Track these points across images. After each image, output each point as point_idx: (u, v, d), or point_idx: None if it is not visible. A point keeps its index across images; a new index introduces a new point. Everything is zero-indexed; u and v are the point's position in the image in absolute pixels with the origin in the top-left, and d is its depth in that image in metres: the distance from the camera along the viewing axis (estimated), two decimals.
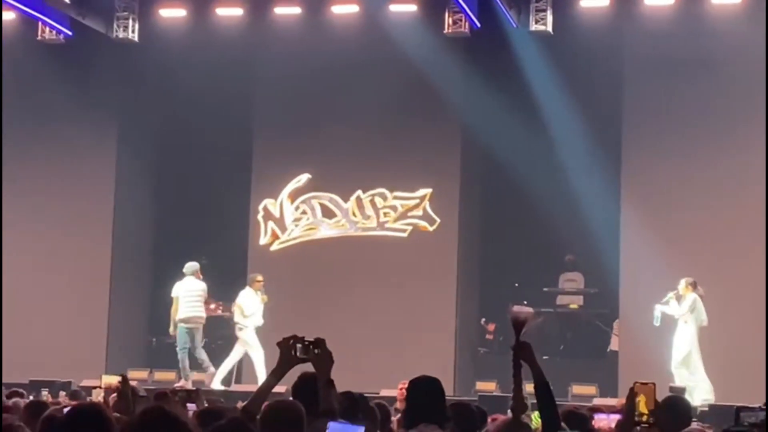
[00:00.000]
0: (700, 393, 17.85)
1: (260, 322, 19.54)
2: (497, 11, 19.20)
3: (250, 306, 19.55)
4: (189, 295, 19.56)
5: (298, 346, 5.69)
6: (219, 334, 22.17)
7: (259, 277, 19.78)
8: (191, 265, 19.71)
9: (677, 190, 19.60)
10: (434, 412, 6.05)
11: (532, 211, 20.45)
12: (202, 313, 19.73)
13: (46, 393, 16.12)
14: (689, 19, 19.52)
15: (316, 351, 5.68)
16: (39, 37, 20.63)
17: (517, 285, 22.07)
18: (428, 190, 20.83)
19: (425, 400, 6.22)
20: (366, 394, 8.67)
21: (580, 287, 22.04)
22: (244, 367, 20.23)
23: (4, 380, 17.71)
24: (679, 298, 18.19)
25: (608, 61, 19.89)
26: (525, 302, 21.38)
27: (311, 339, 5.70)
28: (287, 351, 5.71)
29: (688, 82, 19.48)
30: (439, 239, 20.72)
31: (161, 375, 20.63)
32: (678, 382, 17.77)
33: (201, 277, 19.75)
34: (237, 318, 19.62)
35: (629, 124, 20.00)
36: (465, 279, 20.74)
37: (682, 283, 18.18)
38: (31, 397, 13.16)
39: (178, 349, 19.55)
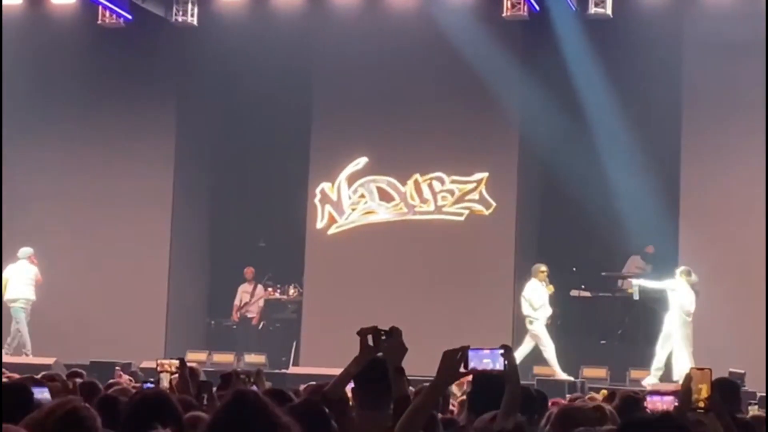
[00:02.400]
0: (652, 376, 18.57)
1: (549, 311, 19.35)
2: None
3: (538, 298, 19.27)
4: (20, 278, 20.51)
5: (374, 336, 5.69)
6: (276, 318, 22.31)
7: (543, 268, 19.47)
8: (25, 251, 20.62)
9: (736, 178, 19.43)
10: (500, 397, 6.05)
11: (590, 194, 20.34)
12: (32, 296, 20.58)
13: (118, 369, 16.29)
14: (749, 2, 19.30)
15: (383, 338, 5.69)
16: (99, 22, 20.77)
17: (574, 269, 21.99)
18: (485, 174, 20.79)
19: (492, 385, 6.22)
20: (423, 378, 8.69)
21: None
22: (303, 349, 20.32)
23: (66, 361, 17.97)
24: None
25: (667, 45, 19.72)
26: (582, 286, 21.37)
27: (386, 329, 5.71)
28: (366, 340, 5.72)
29: (748, 66, 19.28)
30: (496, 223, 20.69)
31: (219, 357, 20.79)
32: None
33: (35, 262, 20.66)
34: (526, 311, 19.29)
35: (688, 108, 19.84)
36: (522, 263, 20.69)
37: (677, 273, 18.68)
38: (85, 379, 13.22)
39: (19, 325, 20.32)
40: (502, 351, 5.47)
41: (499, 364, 5.46)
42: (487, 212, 20.70)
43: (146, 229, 21.75)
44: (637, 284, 19.12)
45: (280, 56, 20.65)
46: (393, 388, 5.61)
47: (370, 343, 5.69)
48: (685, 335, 18.60)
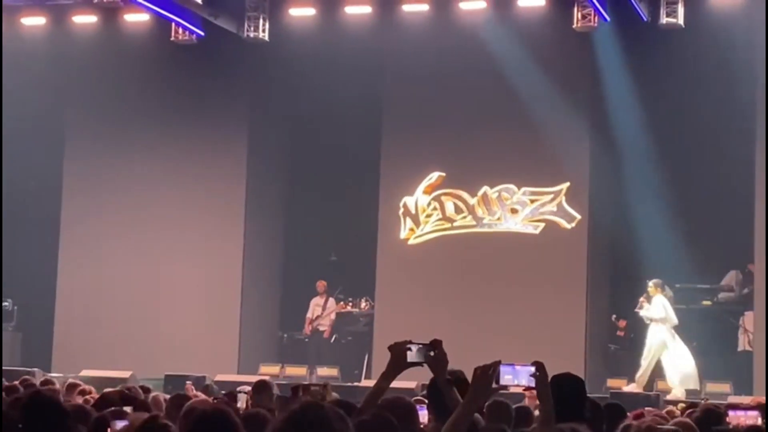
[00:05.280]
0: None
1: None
2: (627, 4, 18.98)
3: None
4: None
5: (414, 348, 5.66)
6: (348, 331, 22.35)
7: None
8: None
9: None
10: (577, 410, 6.00)
11: (665, 206, 20.17)
12: None
13: (189, 383, 16.40)
14: None
15: (432, 353, 5.67)
16: (172, 38, 20.98)
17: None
18: (564, 185, 20.69)
19: (570, 397, 6.17)
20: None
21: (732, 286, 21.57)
22: (374, 362, 20.34)
23: (140, 375, 18.14)
24: (648, 299, 19.18)
25: (742, 54, 19.49)
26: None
27: (426, 342, 5.69)
28: (400, 354, 5.69)
29: None
30: (569, 234, 20.58)
31: (292, 370, 20.88)
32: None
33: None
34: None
35: (766, 118, 19.59)
36: (595, 274, 20.56)
37: (651, 285, 19.13)
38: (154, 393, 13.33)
39: None
40: (533, 367, 5.41)
41: (530, 381, 5.39)
42: (569, 226, 20.58)
43: (219, 244, 21.90)
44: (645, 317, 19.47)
45: (350, 70, 20.71)
46: (446, 399, 5.60)
47: (412, 358, 5.65)
48: (674, 347, 19.03)
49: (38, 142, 22.65)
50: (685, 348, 19.21)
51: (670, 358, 19.12)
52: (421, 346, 5.64)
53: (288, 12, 20.93)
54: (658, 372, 19.21)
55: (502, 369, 5.31)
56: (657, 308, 19.21)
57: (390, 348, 5.67)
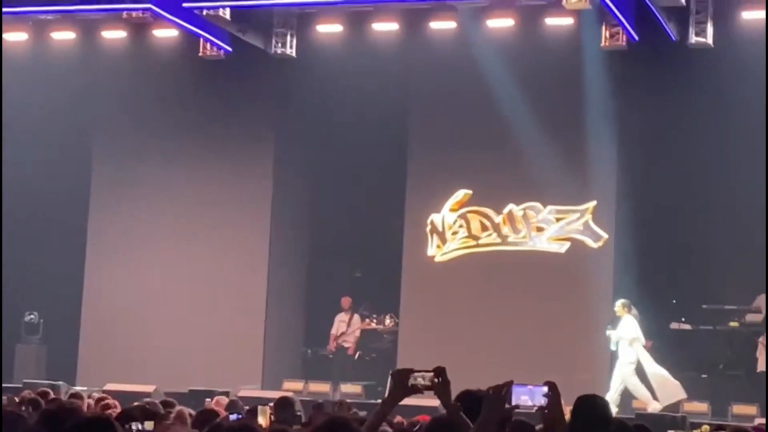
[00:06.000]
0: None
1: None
2: (656, 24, 18.92)
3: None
4: None
5: (418, 377, 5.65)
6: (373, 347, 22.32)
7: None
8: None
9: None
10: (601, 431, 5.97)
11: (692, 226, 20.09)
12: None
13: (209, 401, 16.38)
14: None
15: (437, 380, 5.65)
16: (200, 54, 21.05)
17: (674, 302, 21.67)
18: (590, 204, 20.63)
19: (596, 419, 6.13)
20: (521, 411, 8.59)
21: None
22: None
23: (166, 389, 18.15)
24: (614, 320, 19.25)
25: None
26: (683, 319, 21.05)
27: (430, 369, 5.67)
28: (402, 381, 5.67)
29: None
30: (595, 253, 20.51)
31: (316, 386, 20.86)
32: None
33: None
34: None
35: None
36: (621, 294, 20.45)
37: (618, 305, 19.21)
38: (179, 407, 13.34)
39: None
40: (546, 387, 5.37)
41: (542, 401, 5.36)
42: (596, 245, 20.51)
43: (244, 259, 21.93)
44: (614, 338, 19.42)
45: (377, 87, 20.71)
46: (455, 424, 5.58)
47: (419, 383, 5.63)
48: (648, 363, 19.14)
49: (67, 155, 22.76)
50: (656, 364, 19.23)
51: (648, 376, 19.13)
52: (425, 373, 5.63)
53: (315, 28, 20.96)
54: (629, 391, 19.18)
55: (518, 389, 5.29)
56: (627, 328, 19.20)
57: (392, 374, 5.67)
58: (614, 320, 19.39)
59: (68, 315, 22.73)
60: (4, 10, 19.67)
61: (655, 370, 19.21)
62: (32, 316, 23.08)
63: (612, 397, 18.75)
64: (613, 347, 19.27)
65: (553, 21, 20.07)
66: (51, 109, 21.90)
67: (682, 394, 19.13)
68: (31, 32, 21.42)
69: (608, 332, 19.38)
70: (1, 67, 20.80)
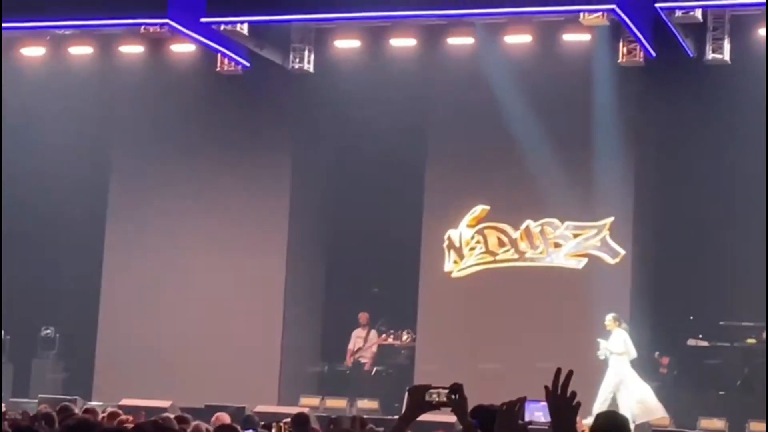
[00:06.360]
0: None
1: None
2: (673, 40, 18.90)
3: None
4: None
5: (434, 393, 5.65)
6: (389, 363, 22.28)
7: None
8: None
9: None
10: None
11: (709, 242, 20.02)
12: None
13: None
14: None
15: (454, 396, 5.65)
16: (218, 69, 21.10)
17: (691, 318, 21.61)
18: (607, 220, 20.59)
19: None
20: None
21: None
22: None
23: (181, 404, 18.15)
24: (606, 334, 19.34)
25: None
26: (700, 335, 20.97)
27: (447, 386, 5.67)
28: (419, 397, 5.67)
29: None
30: (612, 269, 20.46)
31: (332, 402, 20.83)
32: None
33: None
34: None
35: None
36: (638, 311, 20.41)
37: (609, 318, 19.24)
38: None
39: None
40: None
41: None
42: (613, 261, 20.46)
43: (261, 275, 21.93)
44: (603, 348, 19.45)
45: (394, 102, 20.75)
46: None
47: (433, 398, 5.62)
48: (632, 380, 19.18)
49: (84, 170, 22.84)
50: (641, 381, 19.25)
51: (629, 392, 19.13)
52: (441, 389, 5.62)
53: (333, 43, 21.00)
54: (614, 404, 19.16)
55: (532, 405, 5.27)
56: (617, 342, 19.24)
57: (409, 390, 5.67)
58: (606, 334, 19.45)
59: (84, 330, 22.76)
60: (23, 24, 19.78)
61: (638, 387, 19.22)
62: (48, 331, 23.12)
63: (599, 407, 18.72)
64: (601, 356, 19.30)
65: (570, 37, 20.07)
66: (69, 123, 21.99)
67: (660, 413, 19.10)
68: (48, 47, 21.51)
69: (599, 340, 19.41)
70: (1, 74, 20.83)
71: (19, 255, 22.50)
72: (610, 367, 19.28)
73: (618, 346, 19.22)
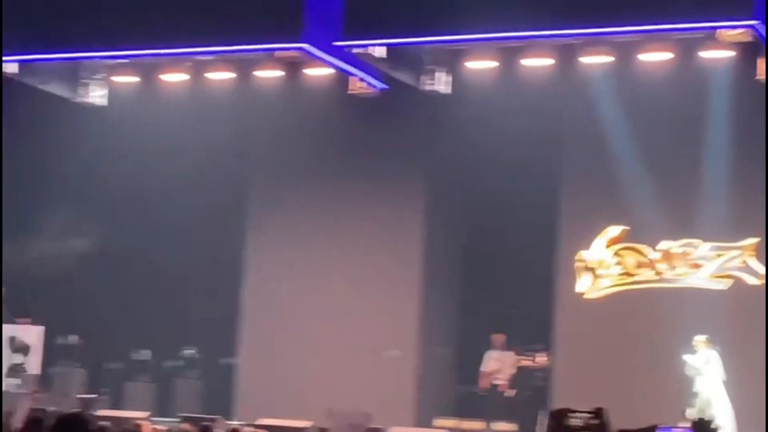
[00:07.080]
0: None
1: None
2: None
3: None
4: None
5: (574, 417, 5.58)
6: (528, 385, 22.09)
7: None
8: None
9: None
10: None
11: None
12: None
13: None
14: None
15: (595, 422, 5.58)
16: (350, 91, 21.21)
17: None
18: (752, 241, 20.17)
19: None
20: None
21: None
22: None
23: (318, 425, 18.26)
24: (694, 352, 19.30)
25: None
26: None
27: (590, 409, 5.60)
28: (559, 421, 5.62)
29: None
30: (756, 292, 20.01)
31: (468, 424, 20.73)
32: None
33: None
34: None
35: None
36: None
37: (703, 338, 19.23)
38: None
39: None
40: (691, 430, 5.25)
41: None
42: (756, 282, 20.05)
43: (396, 295, 21.97)
44: (689, 362, 19.39)
45: (529, 123, 20.62)
46: None
47: None
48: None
49: (222, 195, 23.17)
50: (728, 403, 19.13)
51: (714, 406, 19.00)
52: (582, 413, 5.56)
53: (468, 65, 20.94)
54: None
55: None
56: (714, 361, 19.19)
57: (551, 414, 5.62)
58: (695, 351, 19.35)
59: (225, 350, 23.08)
60: (164, 51, 20.21)
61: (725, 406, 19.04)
62: (191, 351, 23.50)
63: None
64: (688, 372, 19.25)
65: (708, 54, 19.72)
66: (208, 149, 22.37)
67: None
68: (190, 72, 21.91)
69: (685, 357, 19.28)
70: (1, 90, 21.22)
71: (164, 281, 23.00)
72: (713, 381, 19.17)
73: (697, 362, 19.22)
